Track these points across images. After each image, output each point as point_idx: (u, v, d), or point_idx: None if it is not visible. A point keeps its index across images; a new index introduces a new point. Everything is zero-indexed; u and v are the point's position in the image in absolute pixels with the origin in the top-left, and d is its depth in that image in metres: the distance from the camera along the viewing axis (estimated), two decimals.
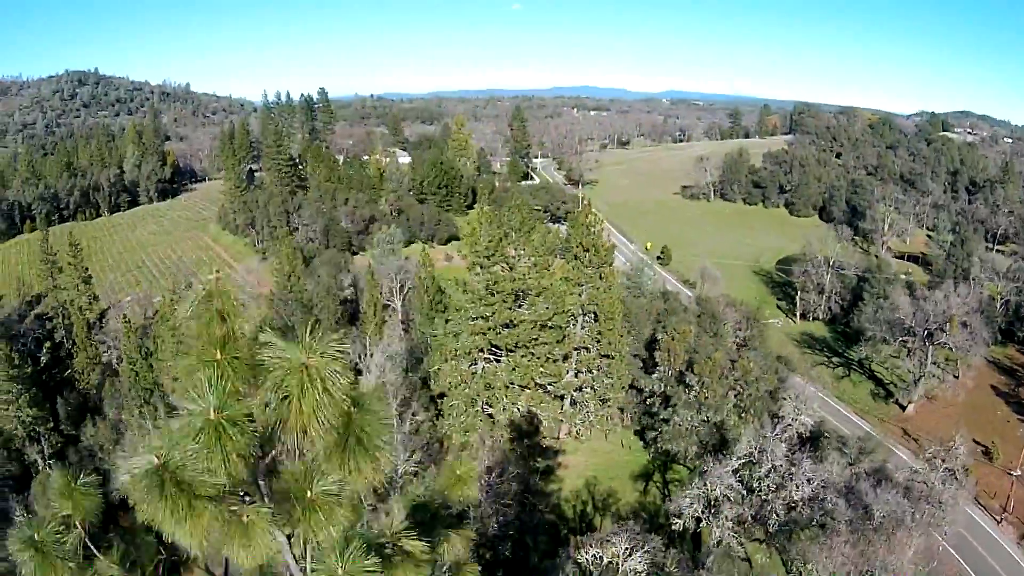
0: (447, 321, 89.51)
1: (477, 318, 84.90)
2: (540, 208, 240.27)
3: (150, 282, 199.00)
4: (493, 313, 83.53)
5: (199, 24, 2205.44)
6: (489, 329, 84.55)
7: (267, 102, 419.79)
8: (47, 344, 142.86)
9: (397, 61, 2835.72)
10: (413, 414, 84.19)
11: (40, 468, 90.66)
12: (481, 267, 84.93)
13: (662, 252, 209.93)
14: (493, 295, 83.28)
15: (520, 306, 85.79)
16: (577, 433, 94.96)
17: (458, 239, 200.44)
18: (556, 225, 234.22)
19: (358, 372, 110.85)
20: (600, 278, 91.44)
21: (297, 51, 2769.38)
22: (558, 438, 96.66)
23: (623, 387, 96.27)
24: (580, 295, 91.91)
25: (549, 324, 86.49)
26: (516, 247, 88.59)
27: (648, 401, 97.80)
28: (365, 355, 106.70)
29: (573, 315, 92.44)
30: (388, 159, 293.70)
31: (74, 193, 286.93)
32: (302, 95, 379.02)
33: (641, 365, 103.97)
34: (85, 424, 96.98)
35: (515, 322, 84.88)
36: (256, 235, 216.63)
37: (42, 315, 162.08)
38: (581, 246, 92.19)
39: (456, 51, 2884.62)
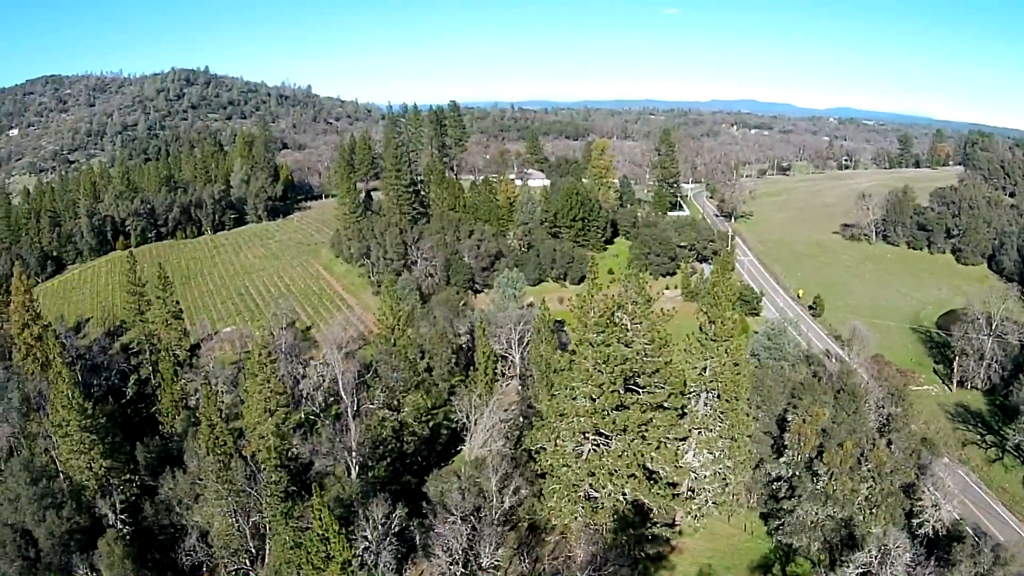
0: (552, 397, 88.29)
1: (583, 398, 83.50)
2: (685, 246, 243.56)
3: (252, 312, 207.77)
4: (601, 395, 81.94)
5: (325, 20, 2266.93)
6: (596, 412, 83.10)
7: (392, 112, 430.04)
8: (133, 377, 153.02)
9: (541, 67, 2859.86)
10: (515, 490, 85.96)
11: (111, 522, 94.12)
12: (591, 344, 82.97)
13: (814, 302, 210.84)
14: (602, 374, 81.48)
15: (633, 387, 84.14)
16: (695, 517, 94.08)
17: None
18: (701, 265, 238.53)
19: (461, 439, 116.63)
20: (726, 352, 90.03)
21: (432, 53, 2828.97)
22: (673, 522, 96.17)
23: (747, 469, 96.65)
24: (704, 371, 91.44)
25: (665, 405, 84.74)
26: (632, 319, 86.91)
27: (774, 485, 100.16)
28: (471, 415, 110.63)
29: (696, 392, 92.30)
30: (521, 182, 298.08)
31: (173, 209, 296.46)
32: (431, 106, 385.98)
33: (772, 443, 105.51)
34: (164, 474, 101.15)
35: (626, 404, 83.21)
36: (372, 266, 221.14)
37: (128, 346, 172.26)
38: (707, 317, 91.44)
39: (606, 57, 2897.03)
